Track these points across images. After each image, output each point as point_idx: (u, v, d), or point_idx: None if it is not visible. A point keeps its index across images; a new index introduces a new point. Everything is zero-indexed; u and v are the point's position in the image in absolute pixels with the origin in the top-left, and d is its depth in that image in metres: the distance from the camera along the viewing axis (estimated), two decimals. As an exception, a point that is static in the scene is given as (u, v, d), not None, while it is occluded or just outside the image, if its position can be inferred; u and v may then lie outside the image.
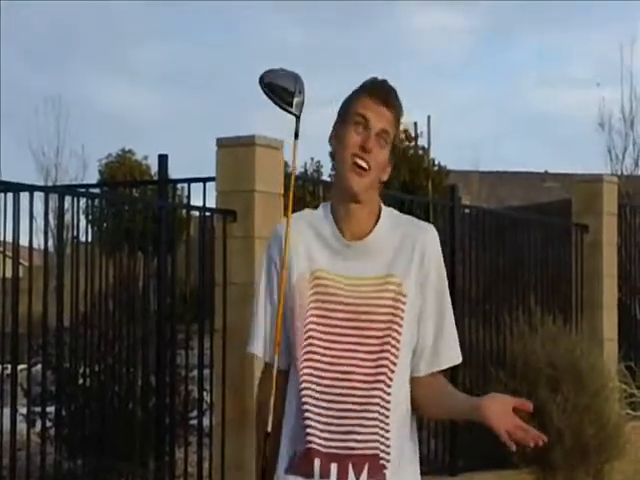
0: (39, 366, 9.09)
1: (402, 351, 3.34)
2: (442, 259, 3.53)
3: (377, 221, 3.46)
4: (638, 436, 11.39)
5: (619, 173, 13.85)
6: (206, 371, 8.76)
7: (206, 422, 8.71)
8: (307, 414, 3.34)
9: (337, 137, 3.45)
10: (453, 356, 3.45)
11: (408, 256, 3.40)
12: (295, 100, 3.43)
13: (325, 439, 3.34)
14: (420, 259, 3.39)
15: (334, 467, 3.31)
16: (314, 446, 3.32)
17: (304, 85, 3.49)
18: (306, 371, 3.37)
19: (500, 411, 3.14)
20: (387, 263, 3.41)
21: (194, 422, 9.15)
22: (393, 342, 3.34)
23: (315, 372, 3.36)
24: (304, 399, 3.36)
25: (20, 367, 8.72)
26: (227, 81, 75.44)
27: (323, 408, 3.35)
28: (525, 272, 11.72)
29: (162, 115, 65.87)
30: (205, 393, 8.88)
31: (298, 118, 3.42)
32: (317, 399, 3.36)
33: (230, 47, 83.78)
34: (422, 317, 3.40)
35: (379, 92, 3.40)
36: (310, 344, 3.37)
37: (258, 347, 3.49)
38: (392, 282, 3.36)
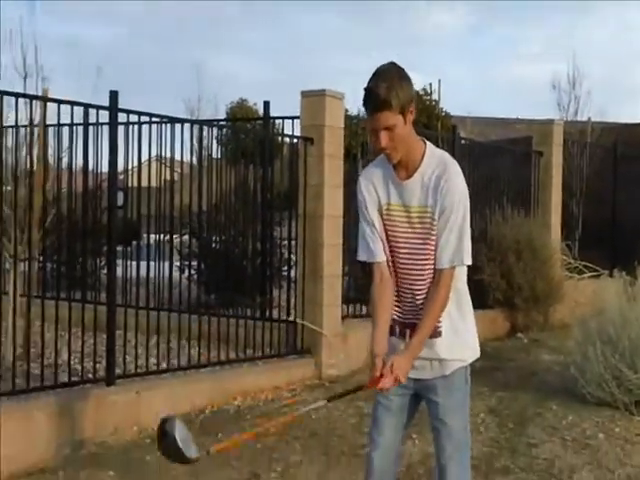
0: (186, 236, 10.12)
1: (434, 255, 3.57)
2: (459, 183, 3.55)
3: (421, 161, 3.57)
4: (571, 289, 11.85)
5: (564, 119, 14.69)
6: (292, 241, 9.18)
7: (292, 273, 9.17)
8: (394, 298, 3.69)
9: None
10: (444, 261, 3.53)
11: (436, 187, 3.52)
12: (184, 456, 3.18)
13: (400, 314, 3.69)
14: (444, 188, 3.50)
15: (407, 332, 3.64)
16: (395, 318, 3.69)
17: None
18: (389, 262, 3.69)
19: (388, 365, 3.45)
20: (421, 196, 3.56)
21: (285, 273, 9.68)
22: (430, 248, 3.57)
23: (391, 264, 3.69)
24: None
25: (175, 236, 9.42)
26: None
27: (399, 294, 3.69)
28: (501, 183, 12.28)
29: (267, 75, 67.42)
30: (292, 255, 9.23)
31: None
32: (396, 286, 3.70)
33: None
34: (440, 231, 3.54)
35: (369, 106, 3.46)
36: (390, 248, 3.68)
37: (363, 255, 3.72)
38: (427, 211, 3.55)
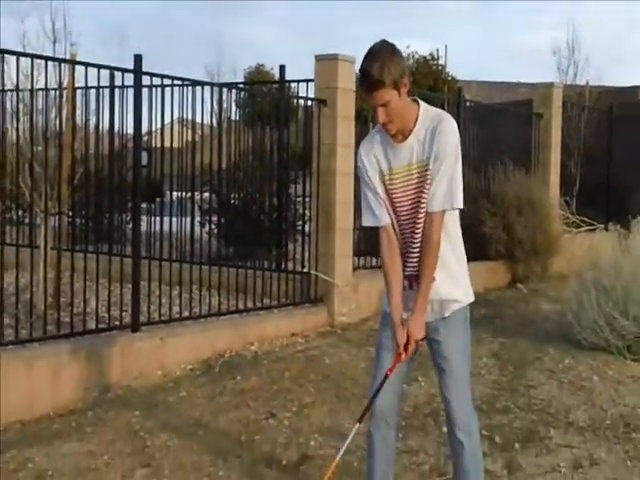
0: (207, 193, 10.01)
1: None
2: (450, 134, 3.55)
3: (415, 123, 3.58)
4: (569, 243, 11.89)
5: (564, 83, 14.58)
6: (307, 198, 9.20)
7: (306, 228, 9.16)
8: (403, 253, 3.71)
9: None
10: (435, 205, 3.53)
11: (431, 140, 3.54)
12: None
13: (408, 268, 3.70)
14: (436, 139, 3.52)
15: (413, 281, 3.68)
16: (404, 273, 3.70)
17: None
18: (394, 224, 3.71)
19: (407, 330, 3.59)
20: (419, 152, 3.57)
21: (299, 228, 9.64)
22: (424, 196, 3.58)
23: (395, 225, 3.72)
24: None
25: (196, 193, 9.43)
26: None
27: (404, 250, 3.71)
28: (503, 143, 12.12)
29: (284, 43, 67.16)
30: (306, 211, 9.29)
31: None
32: (402, 244, 3.72)
33: None
34: (432, 179, 3.55)
35: (365, 85, 3.48)
36: (393, 208, 3.69)
37: (367, 221, 3.74)
38: (422, 164, 3.57)
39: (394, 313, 3.66)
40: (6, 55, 6.07)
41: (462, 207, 3.61)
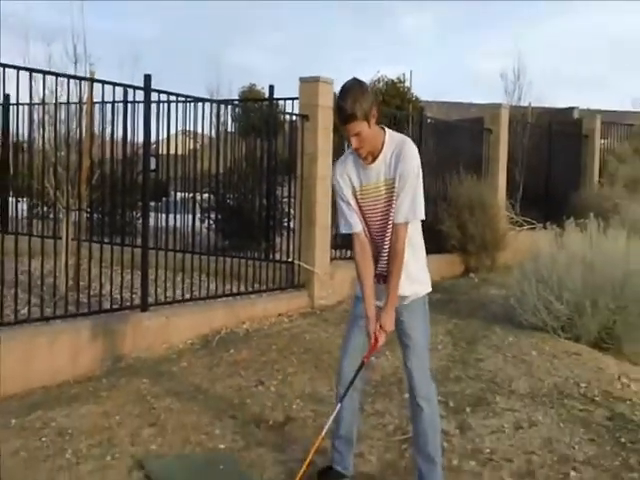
0: (206, 194, 10.05)
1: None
2: (412, 158, 3.56)
3: (382, 147, 3.60)
4: (513, 239, 11.91)
5: (510, 104, 14.61)
6: (292, 199, 9.00)
7: (291, 224, 9.14)
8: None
9: None
10: (400, 217, 3.57)
11: (396, 162, 3.55)
12: None
13: (379, 267, 3.74)
14: (401, 162, 3.54)
15: (381, 278, 3.73)
16: (376, 272, 3.74)
17: None
18: (366, 231, 3.74)
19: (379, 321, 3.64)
20: (386, 172, 3.59)
21: (285, 224, 9.62)
22: (392, 209, 3.61)
23: (367, 232, 3.75)
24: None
25: (197, 194, 9.28)
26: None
27: (376, 253, 3.74)
28: (458, 154, 11.99)
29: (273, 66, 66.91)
30: (291, 209, 9.15)
31: None
32: (373, 248, 3.74)
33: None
34: (397, 196, 3.58)
35: (341, 119, 3.50)
36: (365, 218, 3.73)
37: (343, 229, 3.77)
38: (389, 182, 3.60)
39: (368, 308, 3.68)
40: (34, 73, 6.03)
41: (423, 218, 3.64)
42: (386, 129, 3.67)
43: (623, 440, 4.84)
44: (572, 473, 4.33)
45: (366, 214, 3.72)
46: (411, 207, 3.57)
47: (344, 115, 3.45)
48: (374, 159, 3.62)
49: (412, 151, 3.58)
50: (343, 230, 3.77)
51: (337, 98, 3.50)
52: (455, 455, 4.52)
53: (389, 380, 5.85)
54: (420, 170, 3.61)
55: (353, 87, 3.48)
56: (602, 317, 7.09)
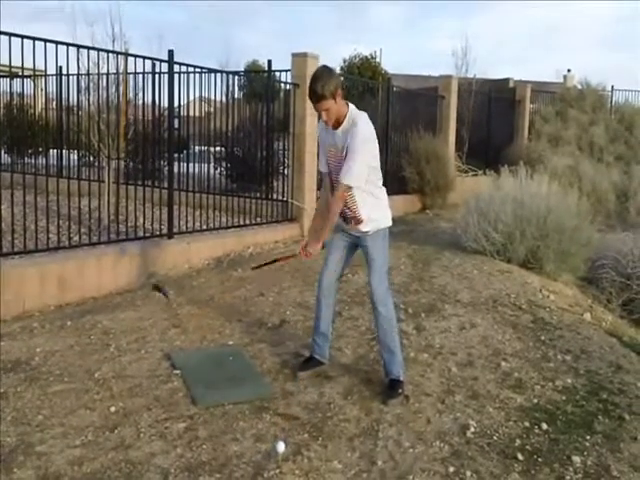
0: (219, 147, 9.90)
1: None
2: (357, 135, 3.46)
3: (344, 119, 3.54)
4: (460, 183, 11.85)
5: (459, 75, 14.25)
6: (286, 151, 8.86)
7: (286, 171, 8.91)
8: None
9: None
10: (341, 177, 3.52)
11: (347, 135, 3.50)
12: None
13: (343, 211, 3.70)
14: (349, 137, 3.48)
15: (349, 220, 3.74)
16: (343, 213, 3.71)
17: None
18: (331, 177, 3.72)
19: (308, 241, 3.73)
20: (345, 139, 3.52)
21: (281, 171, 9.29)
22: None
23: (330, 178, 3.74)
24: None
25: (211, 147, 9.46)
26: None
27: (333, 191, 3.67)
28: (418, 115, 11.61)
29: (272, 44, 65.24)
30: (286, 159, 8.95)
31: None
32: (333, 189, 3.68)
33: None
34: (344, 159, 3.53)
35: (313, 99, 3.47)
36: (329, 165, 3.72)
37: (319, 166, 3.80)
38: (344, 147, 3.53)
39: (309, 235, 3.79)
40: (81, 49, 5.89)
41: (352, 185, 3.55)
42: (350, 105, 3.60)
43: (543, 338, 4.92)
44: (503, 363, 4.39)
45: (330, 165, 3.72)
46: (348, 172, 3.50)
47: (316, 96, 3.43)
48: (338, 126, 3.58)
49: (362, 126, 3.50)
50: (319, 167, 3.82)
51: (310, 82, 3.44)
52: (412, 349, 4.54)
53: (361, 292, 5.82)
54: (365, 145, 3.50)
55: (322, 73, 3.44)
56: (529, 243, 7.11)
